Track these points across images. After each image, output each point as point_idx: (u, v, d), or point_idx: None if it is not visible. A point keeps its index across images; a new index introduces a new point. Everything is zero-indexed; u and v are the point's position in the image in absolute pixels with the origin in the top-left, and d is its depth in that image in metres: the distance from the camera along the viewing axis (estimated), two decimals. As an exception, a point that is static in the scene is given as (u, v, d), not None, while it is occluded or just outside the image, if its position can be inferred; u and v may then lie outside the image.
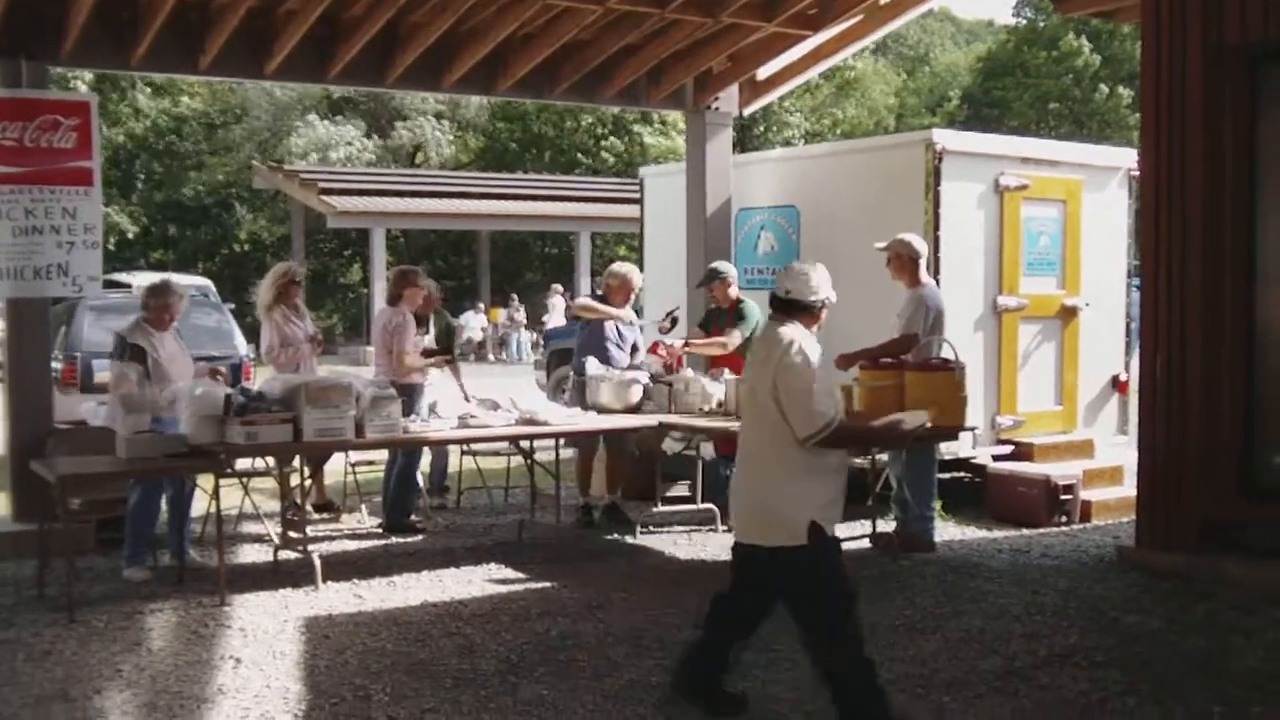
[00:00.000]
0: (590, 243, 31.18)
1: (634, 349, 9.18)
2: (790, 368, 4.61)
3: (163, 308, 7.40)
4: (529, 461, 8.48)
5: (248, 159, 36.02)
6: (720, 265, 9.28)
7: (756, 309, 9.04)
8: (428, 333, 9.48)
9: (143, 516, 7.33)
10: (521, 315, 30.79)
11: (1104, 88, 41.11)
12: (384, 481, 8.99)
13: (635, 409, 8.63)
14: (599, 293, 9.64)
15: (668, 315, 9.22)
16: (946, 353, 7.73)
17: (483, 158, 40.02)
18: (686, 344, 8.95)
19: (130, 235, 34.14)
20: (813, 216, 10.12)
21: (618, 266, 9.18)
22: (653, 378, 8.86)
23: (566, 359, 14.04)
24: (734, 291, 9.15)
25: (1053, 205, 9.72)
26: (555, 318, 29.27)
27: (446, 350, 9.55)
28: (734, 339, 8.85)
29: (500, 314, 31.53)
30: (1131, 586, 7.07)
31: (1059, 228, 9.76)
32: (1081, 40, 41.71)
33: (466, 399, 9.22)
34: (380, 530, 8.80)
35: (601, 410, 8.55)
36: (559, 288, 30.75)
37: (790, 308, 4.88)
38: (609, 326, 8.99)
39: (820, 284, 4.94)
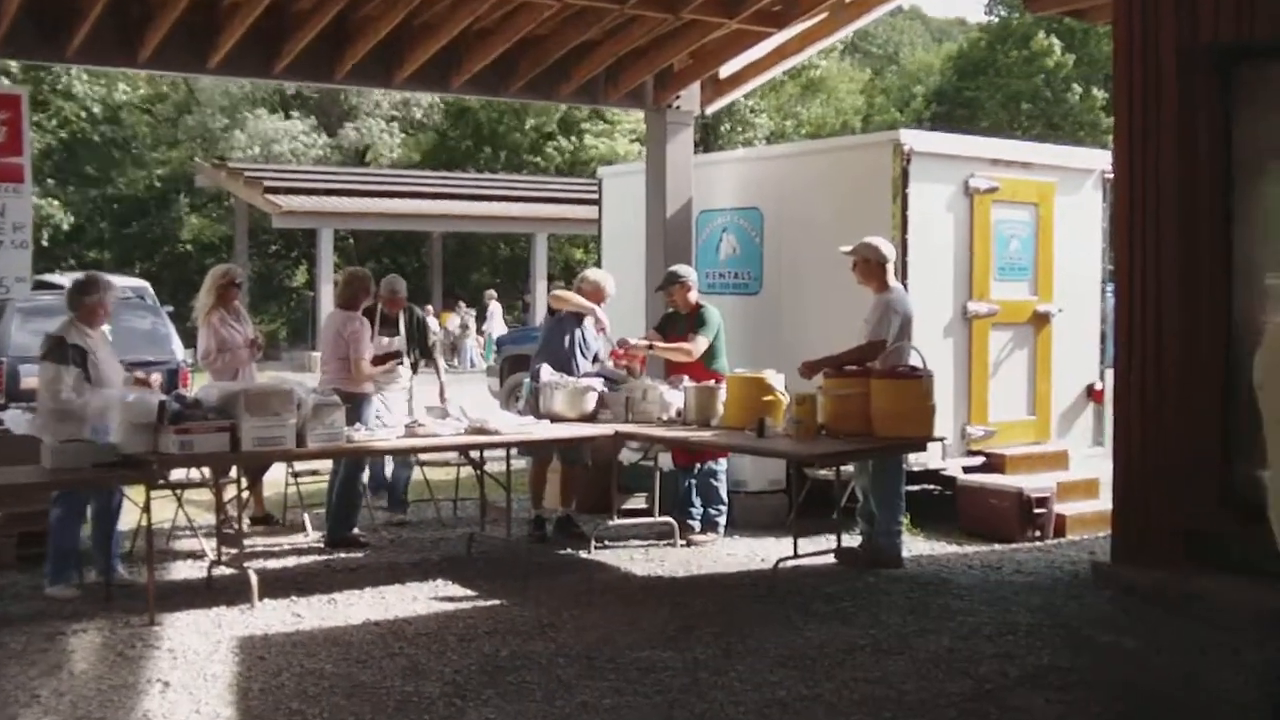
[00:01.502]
0: (546, 244, 31.12)
1: (595, 358, 9.16)
2: None
3: (96, 304, 7.25)
4: (479, 472, 8.41)
5: (190, 155, 35.74)
6: (680, 269, 9.28)
7: (718, 315, 9.07)
8: (397, 333, 9.45)
9: (66, 530, 7.18)
10: (474, 320, 30.74)
11: (1077, 88, 41.52)
12: (328, 493, 8.86)
13: (590, 418, 8.60)
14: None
15: (622, 343, 9.10)
16: (914, 360, 7.72)
17: (433, 157, 39.92)
18: (651, 345, 8.91)
19: (65, 227, 33.60)
20: (777, 219, 10.15)
21: (592, 273, 9.22)
22: (609, 383, 8.81)
23: (521, 365, 14.17)
24: (694, 296, 9.14)
25: (1024, 208, 9.75)
26: (495, 324, 29.27)
27: (422, 348, 9.63)
28: (698, 345, 8.87)
29: (452, 318, 31.41)
30: (1107, 604, 7.07)
31: (1031, 231, 9.79)
32: (1052, 39, 42.13)
33: (443, 397, 9.28)
34: (322, 545, 8.68)
35: (555, 419, 8.51)
36: (493, 293, 30.82)
37: None
38: (576, 332, 8.96)
39: None
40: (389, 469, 9.53)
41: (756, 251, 10.27)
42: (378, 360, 9.00)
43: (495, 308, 30.40)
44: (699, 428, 8.28)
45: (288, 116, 36.79)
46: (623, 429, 8.41)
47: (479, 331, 30.50)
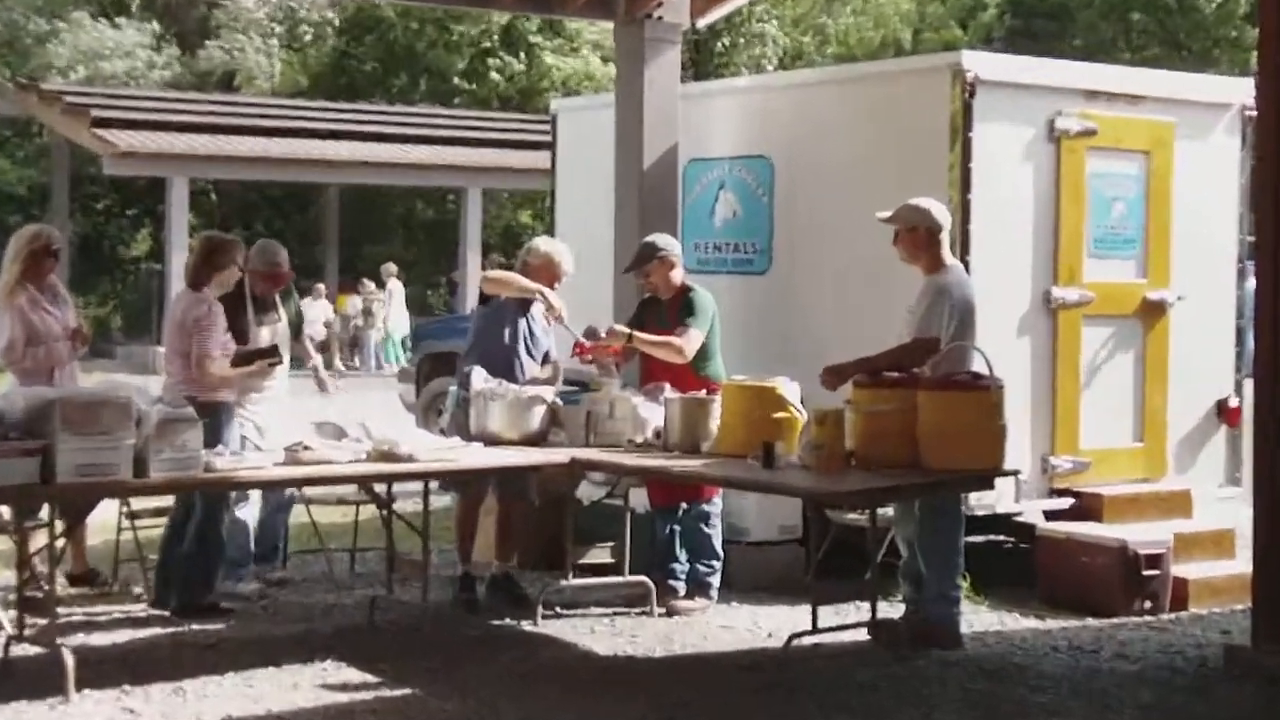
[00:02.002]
0: (481, 203, 31.13)
1: (545, 357, 9.20)
2: None
3: None
4: (385, 513, 8.38)
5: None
6: (659, 239, 9.28)
7: (711, 301, 9.09)
8: (278, 319, 9.49)
9: None
10: (382, 304, 30.60)
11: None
12: (164, 541, 8.85)
13: (538, 439, 8.61)
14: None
15: (589, 334, 9.13)
16: (977, 365, 7.74)
17: (328, 83, 39.84)
18: (631, 336, 8.93)
19: None
20: (792, 172, 10.13)
21: (542, 243, 9.24)
22: (568, 392, 8.86)
23: (445, 368, 14.07)
24: (679, 276, 9.15)
25: (1131, 158, 9.76)
26: (396, 312, 29.12)
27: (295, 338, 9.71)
28: (691, 339, 8.88)
29: (351, 303, 31.37)
30: (1245, 702, 7.05)
31: (1140, 190, 9.80)
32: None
33: (322, 384, 9.56)
34: (167, 613, 8.63)
35: (492, 441, 8.51)
36: (393, 268, 30.57)
37: None
38: (520, 323, 9.01)
39: None
40: (251, 508, 9.41)
41: (764, 216, 10.25)
42: (242, 359, 8.91)
43: (395, 288, 30.11)
44: (685, 454, 8.27)
45: (114, 25, 36.42)
46: (582, 455, 8.38)
47: (369, 319, 30.32)
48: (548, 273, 9.01)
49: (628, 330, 8.97)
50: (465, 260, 30.43)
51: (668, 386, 8.72)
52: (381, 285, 30.63)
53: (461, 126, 32.32)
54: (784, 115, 10.36)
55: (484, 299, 9.11)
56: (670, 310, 9.11)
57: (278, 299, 9.62)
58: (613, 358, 9.08)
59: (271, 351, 9.09)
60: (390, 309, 29.71)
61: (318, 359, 10.44)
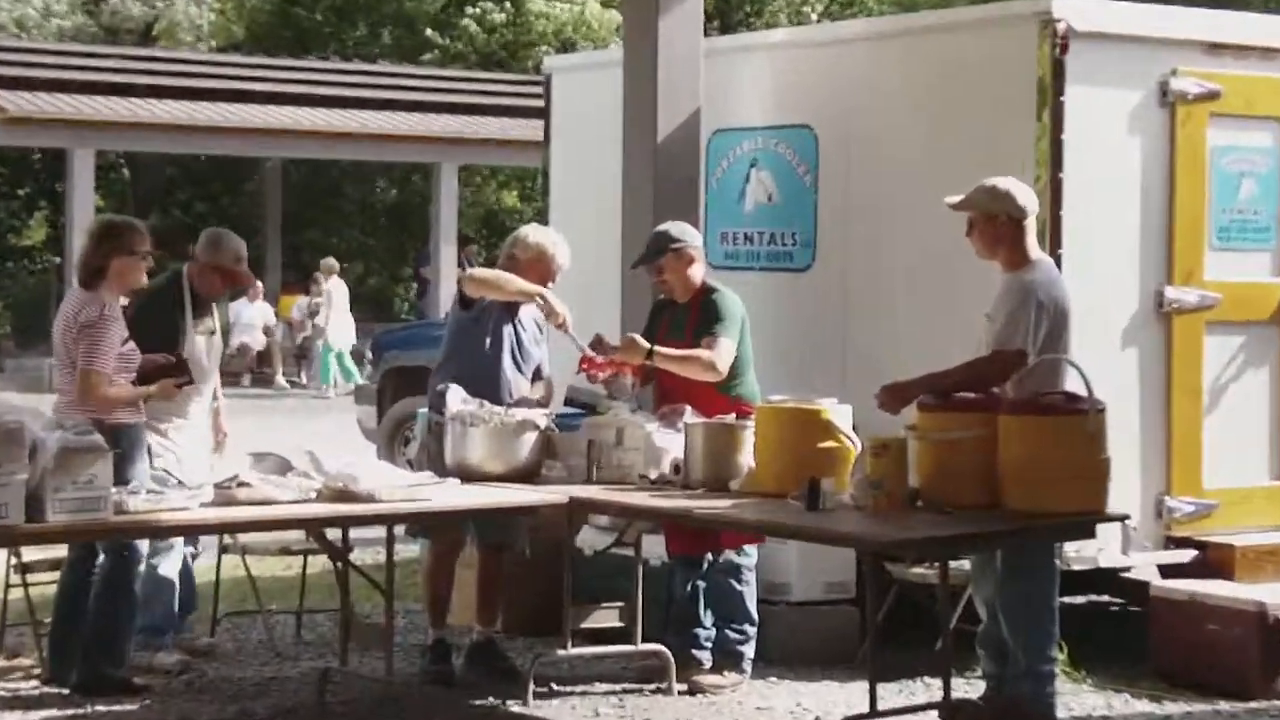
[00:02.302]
0: (458, 183, 31.11)
1: (537, 373, 9.19)
2: None
3: None
4: (340, 565, 8.35)
5: None
6: (676, 229, 9.26)
7: (739, 303, 9.08)
8: (213, 330, 9.52)
9: None
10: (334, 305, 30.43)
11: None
12: (59, 601, 8.82)
13: (529, 474, 8.58)
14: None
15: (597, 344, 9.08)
16: (1072, 383, 7.69)
17: (269, 36, 39.87)
18: (652, 350, 8.85)
19: None
20: (840, 146, 10.16)
21: (532, 233, 9.26)
22: (567, 415, 8.90)
23: (413, 385, 14.05)
24: (699, 273, 9.15)
25: (1264, 127, 9.78)
26: (336, 315, 28.79)
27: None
28: (723, 351, 8.84)
29: (297, 305, 31.29)
30: None
31: (1275, 166, 9.81)
32: None
33: (217, 439, 9.41)
34: (66, 690, 8.59)
35: (471, 476, 8.47)
36: (333, 263, 30.15)
37: None
38: (506, 331, 9.01)
39: None
40: (173, 558, 9.36)
41: (806, 200, 10.27)
42: (150, 375, 8.85)
43: (336, 288, 29.33)
44: (710, 493, 8.19)
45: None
46: (583, 494, 8.36)
47: (307, 324, 30.15)
48: (539, 269, 8.99)
49: (647, 345, 8.88)
50: (437, 252, 30.44)
51: (689, 410, 8.66)
52: (317, 284, 30.31)
53: (432, 89, 32.36)
54: (832, 76, 10.34)
55: (465, 303, 9.06)
56: (690, 316, 9.09)
57: (214, 305, 9.62)
58: (629, 376, 9.02)
59: (180, 369, 8.94)
60: (329, 315, 29.23)
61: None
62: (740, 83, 10.83)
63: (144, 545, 8.70)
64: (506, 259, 9.15)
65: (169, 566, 9.18)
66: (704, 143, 10.82)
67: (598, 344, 8.98)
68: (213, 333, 9.50)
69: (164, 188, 37.37)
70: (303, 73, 33.04)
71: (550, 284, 9.01)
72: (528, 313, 9.04)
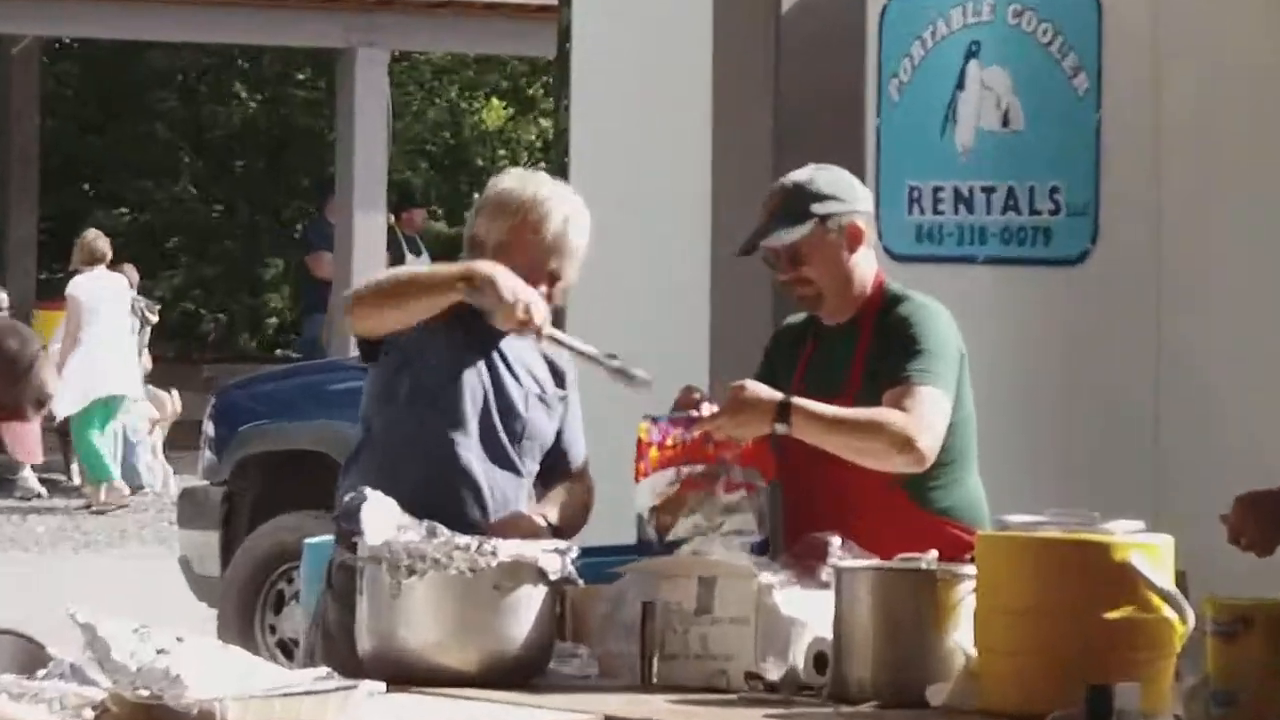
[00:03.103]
0: (386, 91, 23.53)
1: (556, 466, 6.69)
2: None
3: None
4: None
5: None
6: (823, 178, 6.69)
7: (952, 327, 6.54)
8: None
9: None
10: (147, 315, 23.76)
11: None
12: None
13: (525, 670, 6.37)
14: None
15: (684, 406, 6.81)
16: None
17: None
18: (791, 409, 6.48)
19: None
20: (1145, 28, 7.76)
21: (512, 182, 6.95)
22: (595, 557, 6.79)
23: (288, 490, 12.07)
24: (869, 264, 6.55)
25: None
26: (93, 351, 20.77)
27: None
28: (926, 414, 6.42)
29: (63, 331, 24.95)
30: None
31: None
32: None
33: None
34: None
35: (411, 673, 6.31)
36: (100, 245, 22.25)
37: None
38: (483, 373, 6.55)
39: None
40: None
41: (1084, 123, 7.78)
42: None
43: (105, 289, 21.96)
44: (884, 709, 5.80)
45: None
46: (633, 713, 5.74)
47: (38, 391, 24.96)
48: (516, 245, 6.51)
49: (777, 394, 6.31)
50: (347, 224, 21.87)
51: (837, 541, 5.97)
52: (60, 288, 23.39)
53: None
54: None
55: (367, 352, 6.64)
56: (856, 346, 6.50)
57: None
58: (738, 466, 6.52)
59: None
60: (78, 352, 20.22)
61: None
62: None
63: None
64: (468, 241, 6.69)
65: None
66: (875, 21, 8.30)
67: (688, 398, 6.40)
68: None
69: None
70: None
71: (546, 285, 6.46)
72: (520, 346, 6.48)
